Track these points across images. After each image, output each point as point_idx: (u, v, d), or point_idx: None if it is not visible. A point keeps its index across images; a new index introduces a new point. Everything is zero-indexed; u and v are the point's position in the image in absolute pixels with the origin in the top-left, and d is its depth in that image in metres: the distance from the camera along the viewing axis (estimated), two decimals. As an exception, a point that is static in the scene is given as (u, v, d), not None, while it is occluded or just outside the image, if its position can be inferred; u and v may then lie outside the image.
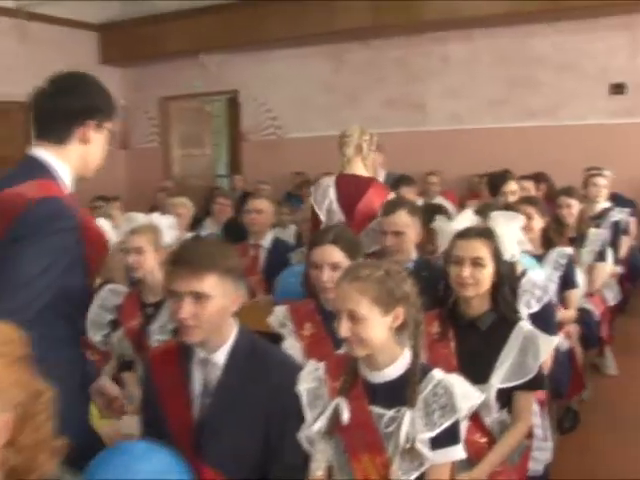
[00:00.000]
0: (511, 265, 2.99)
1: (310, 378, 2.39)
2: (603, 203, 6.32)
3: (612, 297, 5.51)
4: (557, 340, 2.77)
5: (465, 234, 2.85)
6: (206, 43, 10.29)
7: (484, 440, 2.68)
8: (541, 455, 3.01)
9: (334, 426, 2.28)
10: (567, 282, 4.42)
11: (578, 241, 5.20)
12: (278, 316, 3.12)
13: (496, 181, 5.61)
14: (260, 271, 5.14)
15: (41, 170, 2.29)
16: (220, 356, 2.38)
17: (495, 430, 2.72)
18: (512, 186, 5.50)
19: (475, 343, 2.77)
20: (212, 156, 12.44)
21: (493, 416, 2.71)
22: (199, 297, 2.26)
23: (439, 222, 3.17)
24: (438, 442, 2.19)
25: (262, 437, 2.32)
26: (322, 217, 4.68)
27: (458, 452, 2.22)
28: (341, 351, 2.56)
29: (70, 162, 2.35)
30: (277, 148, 10.51)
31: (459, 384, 2.24)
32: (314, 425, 2.30)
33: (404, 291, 2.24)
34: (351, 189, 4.63)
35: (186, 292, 2.26)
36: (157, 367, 2.49)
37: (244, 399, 2.33)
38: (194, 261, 2.27)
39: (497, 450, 2.64)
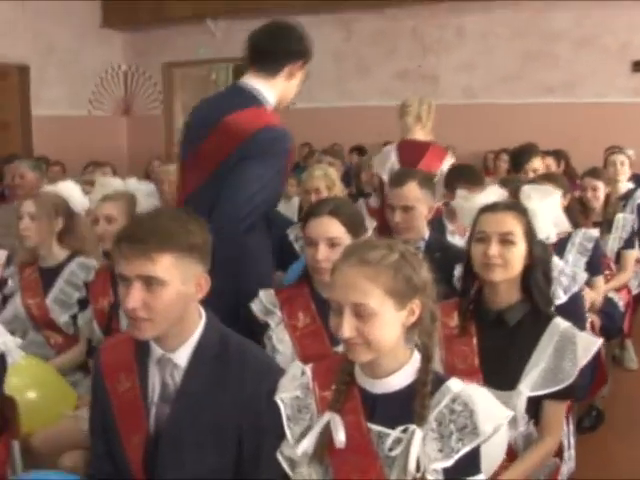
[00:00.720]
0: (546, 247, 2.51)
1: (294, 385, 1.91)
2: (626, 183, 5.96)
3: (636, 285, 5.19)
4: (600, 342, 2.33)
5: (493, 207, 2.42)
6: (212, 8, 9.96)
7: (507, 462, 2.22)
8: (565, 466, 2.53)
9: (324, 449, 1.83)
10: (594, 268, 4.01)
11: (604, 227, 4.78)
12: (263, 301, 2.66)
13: (520, 157, 5.16)
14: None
15: (252, 99, 2.85)
16: (182, 356, 1.96)
17: (520, 447, 2.30)
18: (536, 163, 5.06)
19: (502, 340, 2.33)
20: (217, 126, 12.04)
21: (519, 430, 2.28)
22: (151, 283, 1.83)
23: (460, 198, 2.73)
24: (454, 472, 1.72)
25: (232, 456, 1.93)
26: (385, 178, 4.88)
27: None
28: (340, 348, 2.19)
29: (275, 92, 2.91)
30: (283, 119, 10.15)
31: (482, 398, 1.77)
32: (298, 446, 1.84)
33: (422, 279, 1.79)
34: (411, 152, 4.95)
35: (135, 276, 1.83)
36: (108, 363, 2.07)
37: (211, 409, 1.92)
38: (144, 238, 1.83)
39: (517, 467, 2.21)
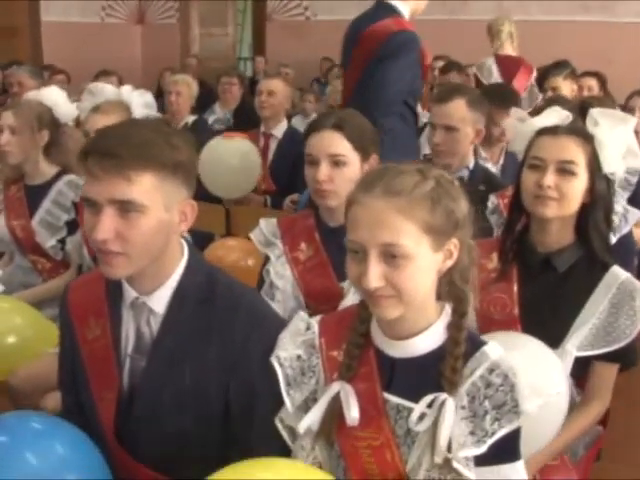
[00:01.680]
0: (610, 184, 2.11)
1: (296, 342, 1.59)
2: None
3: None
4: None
5: (553, 130, 2.03)
6: None
7: None
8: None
9: (332, 425, 1.52)
10: (638, 203, 3.66)
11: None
12: (263, 231, 2.36)
13: (542, 77, 4.85)
14: (268, 164, 4.51)
15: (392, 11, 3.55)
16: (159, 300, 1.64)
17: None
18: (556, 82, 4.65)
19: (548, 289, 2.00)
20: (234, 36, 11.70)
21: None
22: (127, 209, 1.51)
23: (514, 118, 2.29)
24: (487, 458, 1.42)
25: (217, 421, 1.64)
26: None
27: (517, 473, 1.47)
28: (346, 284, 1.88)
29: (408, 7, 3.60)
30: (304, 30, 9.83)
31: (527, 368, 1.46)
32: (302, 418, 1.53)
33: (463, 211, 1.47)
34: (508, 66, 5.71)
35: (106, 201, 1.51)
36: (76, 303, 1.76)
37: (192, 364, 1.63)
38: (118, 151, 1.49)
39: (559, 437, 1.90)
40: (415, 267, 1.40)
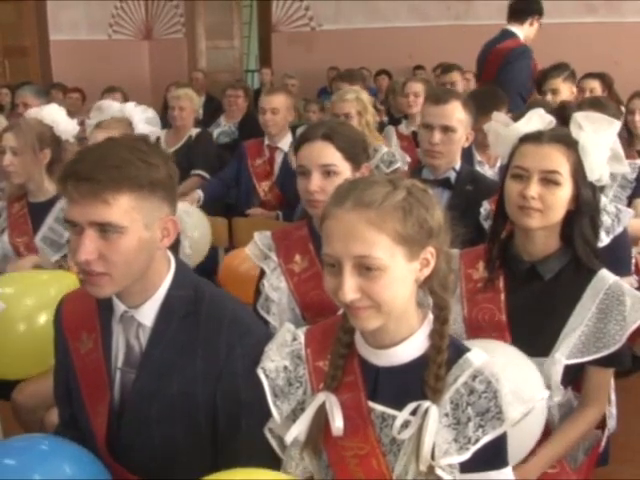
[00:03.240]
0: (596, 190, 2.06)
1: (282, 353, 1.60)
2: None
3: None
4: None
5: (536, 137, 1.99)
6: None
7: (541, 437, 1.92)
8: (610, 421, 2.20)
9: (319, 435, 1.53)
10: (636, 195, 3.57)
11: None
12: (258, 245, 2.37)
13: (541, 79, 4.73)
14: (275, 178, 4.53)
15: (512, 35, 5.15)
16: (147, 313, 1.67)
17: (555, 418, 1.99)
18: (555, 84, 4.55)
19: (535, 297, 1.98)
20: (241, 49, 11.74)
21: (554, 400, 1.95)
22: (106, 230, 1.53)
23: (496, 122, 2.23)
24: (472, 465, 1.42)
25: (206, 434, 1.66)
26: None
27: (505, 479, 1.47)
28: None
29: (523, 32, 5.17)
30: (310, 41, 9.85)
31: (510, 375, 1.46)
32: (289, 429, 1.54)
33: (437, 220, 1.46)
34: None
35: (86, 223, 1.53)
36: (69, 318, 1.80)
37: (179, 377, 1.65)
38: (93, 175, 1.50)
39: (554, 444, 1.92)
40: (390, 278, 1.40)
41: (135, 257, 1.57)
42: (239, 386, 1.62)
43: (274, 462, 1.59)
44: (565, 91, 4.55)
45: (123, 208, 1.53)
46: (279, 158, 4.56)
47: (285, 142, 4.57)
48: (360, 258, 1.39)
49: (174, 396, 1.64)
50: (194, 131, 5.18)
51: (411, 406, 1.43)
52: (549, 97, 4.44)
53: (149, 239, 1.59)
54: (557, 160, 1.94)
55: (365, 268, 1.39)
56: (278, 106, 4.48)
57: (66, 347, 1.78)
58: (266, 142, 4.59)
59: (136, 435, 1.67)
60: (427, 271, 1.46)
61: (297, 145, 2.33)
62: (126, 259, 1.56)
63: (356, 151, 2.28)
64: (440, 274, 1.48)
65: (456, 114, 2.95)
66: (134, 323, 1.69)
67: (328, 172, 2.22)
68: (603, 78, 5.52)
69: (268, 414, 1.58)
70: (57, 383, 1.86)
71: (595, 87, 5.12)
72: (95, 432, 1.71)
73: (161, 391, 1.65)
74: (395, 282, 1.41)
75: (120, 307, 1.68)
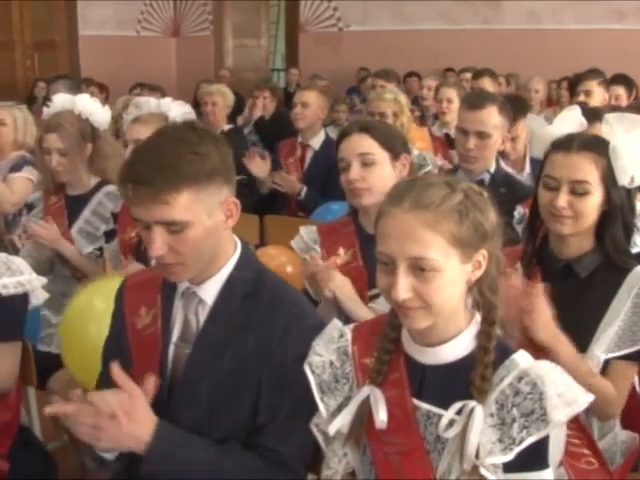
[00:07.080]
0: (629, 193, 2.07)
1: (329, 349, 1.61)
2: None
3: None
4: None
5: (564, 145, 2.00)
6: None
7: (576, 440, 1.92)
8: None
9: (361, 428, 1.55)
10: None
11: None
12: (304, 238, 2.42)
13: (575, 81, 4.83)
14: (303, 173, 4.54)
15: None
16: (209, 291, 1.72)
17: (591, 419, 1.99)
18: (590, 85, 4.63)
19: (571, 294, 1.99)
20: (268, 48, 11.81)
21: None
22: (171, 226, 1.60)
23: (532, 122, 2.28)
24: (515, 466, 1.43)
25: (247, 417, 1.69)
26: None
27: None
28: (374, 291, 1.92)
29: None
30: (337, 41, 9.89)
31: (555, 377, 1.44)
32: (333, 422, 1.55)
33: (491, 223, 1.47)
34: None
35: (152, 221, 1.60)
36: (131, 295, 1.86)
37: (231, 355, 1.69)
38: (149, 179, 1.56)
39: (582, 363, 1.89)
40: (443, 280, 1.41)
41: (203, 244, 1.64)
42: (288, 367, 1.65)
43: (302, 452, 1.67)
44: (598, 95, 4.56)
45: (184, 205, 1.58)
46: (309, 155, 4.58)
47: (316, 140, 4.57)
48: (415, 259, 1.41)
49: (225, 373, 1.68)
50: (226, 127, 5.23)
51: (457, 405, 1.44)
52: (582, 98, 4.45)
53: (214, 225, 1.64)
54: (585, 169, 1.96)
55: (419, 269, 1.41)
56: (309, 101, 4.50)
57: (122, 322, 1.83)
58: (299, 140, 4.62)
59: (182, 411, 1.70)
60: (479, 273, 1.48)
61: (337, 142, 2.40)
62: (195, 248, 1.62)
63: (393, 141, 2.35)
64: (490, 276, 1.49)
65: (492, 120, 2.96)
66: (195, 299, 1.74)
67: (366, 161, 2.30)
68: (628, 84, 5.51)
69: (306, 405, 1.60)
70: (106, 350, 1.90)
71: (620, 94, 5.13)
72: None
73: (213, 367, 1.69)
74: (448, 284, 1.43)
75: (184, 283, 1.73)
